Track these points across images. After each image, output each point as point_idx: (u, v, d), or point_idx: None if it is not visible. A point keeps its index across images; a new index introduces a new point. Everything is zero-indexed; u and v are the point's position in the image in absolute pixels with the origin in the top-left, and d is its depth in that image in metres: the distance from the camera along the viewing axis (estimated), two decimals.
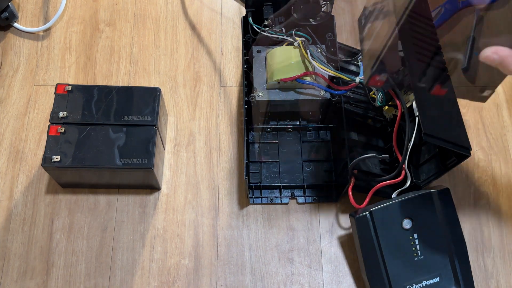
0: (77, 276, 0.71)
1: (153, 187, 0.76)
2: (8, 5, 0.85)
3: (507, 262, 0.74)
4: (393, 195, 0.69)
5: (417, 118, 0.65)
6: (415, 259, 0.67)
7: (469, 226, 0.76)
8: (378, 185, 0.69)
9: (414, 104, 0.66)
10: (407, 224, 0.68)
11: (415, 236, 0.67)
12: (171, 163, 0.79)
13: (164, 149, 0.79)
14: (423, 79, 0.66)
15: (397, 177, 0.68)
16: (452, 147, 0.62)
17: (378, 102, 0.72)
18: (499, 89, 0.85)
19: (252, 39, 0.77)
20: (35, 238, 0.73)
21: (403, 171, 0.68)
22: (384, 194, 0.71)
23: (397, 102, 0.69)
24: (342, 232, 0.75)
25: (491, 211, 0.77)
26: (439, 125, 0.63)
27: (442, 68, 0.70)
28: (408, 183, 0.69)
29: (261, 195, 0.76)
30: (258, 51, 0.77)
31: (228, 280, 0.72)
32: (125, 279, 0.72)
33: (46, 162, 0.69)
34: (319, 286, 0.72)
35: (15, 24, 0.87)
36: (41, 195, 0.76)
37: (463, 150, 0.63)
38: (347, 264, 0.73)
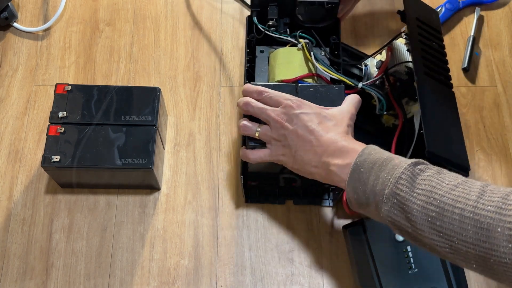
0: (77, 277, 0.71)
1: (153, 187, 0.76)
2: (8, 5, 0.85)
3: None
4: None
5: (416, 133, 0.65)
6: (409, 272, 0.66)
7: None
8: None
9: (415, 116, 0.67)
10: (400, 236, 0.66)
11: (409, 248, 0.67)
12: (171, 163, 0.79)
13: (164, 149, 0.79)
14: (431, 95, 0.66)
15: None
16: (452, 165, 0.63)
17: (378, 111, 0.72)
18: (499, 89, 0.85)
19: (255, 39, 0.77)
20: (35, 238, 0.73)
21: None
22: None
23: (399, 113, 0.69)
24: (341, 233, 0.75)
25: None
26: (441, 143, 0.63)
27: (449, 84, 0.70)
28: None
29: (259, 195, 0.76)
30: (261, 51, 0.76)
31: (228, 281, 0.72)
32: (125, 279, 0.71)
33: (45, 162, 0.68)
34: (319, 286, 0.72)
35: (15, 24, 0.87)
36: (41, 195, 0.76)
37: (463, 169, 0.64)
38: (346, 265, 0.73)
